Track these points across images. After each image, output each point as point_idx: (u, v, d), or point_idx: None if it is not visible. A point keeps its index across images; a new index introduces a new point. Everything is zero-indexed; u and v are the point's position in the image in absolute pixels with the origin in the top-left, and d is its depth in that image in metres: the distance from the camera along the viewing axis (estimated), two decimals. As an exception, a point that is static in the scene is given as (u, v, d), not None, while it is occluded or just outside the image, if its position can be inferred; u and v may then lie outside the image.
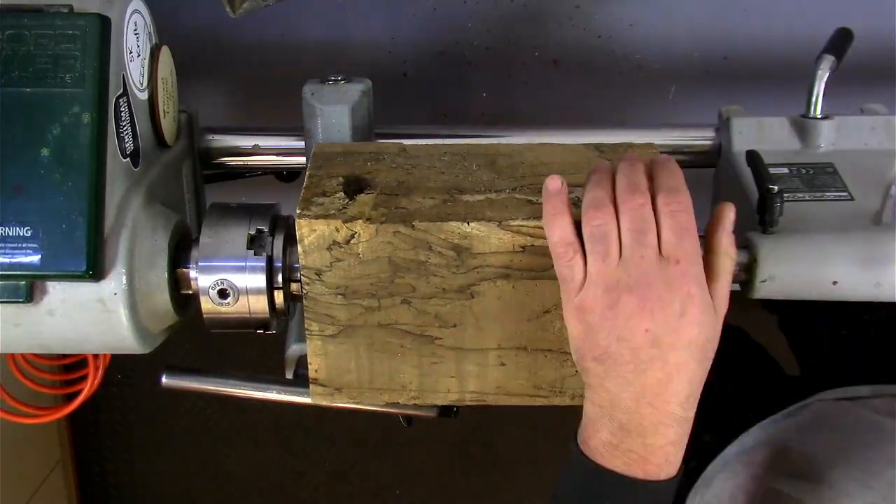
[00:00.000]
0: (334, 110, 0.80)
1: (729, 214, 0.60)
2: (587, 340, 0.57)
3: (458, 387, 0.69)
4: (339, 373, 0.68)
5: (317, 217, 0.63)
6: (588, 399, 0.59)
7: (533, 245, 0.63)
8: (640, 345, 0.55)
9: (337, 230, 0.63)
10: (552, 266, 0.60)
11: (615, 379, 0.56)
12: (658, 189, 0.57)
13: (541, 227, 0.61)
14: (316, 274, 0.65)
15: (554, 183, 0.59)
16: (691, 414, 0.57)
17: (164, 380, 0.78)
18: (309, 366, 0.68)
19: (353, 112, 0.81)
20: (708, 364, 0.57)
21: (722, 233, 0.59)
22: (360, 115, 0.82)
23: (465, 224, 0.63)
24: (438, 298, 0.65)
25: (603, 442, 0.57)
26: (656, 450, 0.56)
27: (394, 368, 0.68)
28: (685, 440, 0.58)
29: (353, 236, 0.63)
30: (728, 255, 0.59)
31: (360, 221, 0.63)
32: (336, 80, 0.82)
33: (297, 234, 0.63)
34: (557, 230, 0.58)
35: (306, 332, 0.67)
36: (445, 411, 0.79)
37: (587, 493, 0.59)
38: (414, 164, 0.69)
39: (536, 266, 0.64)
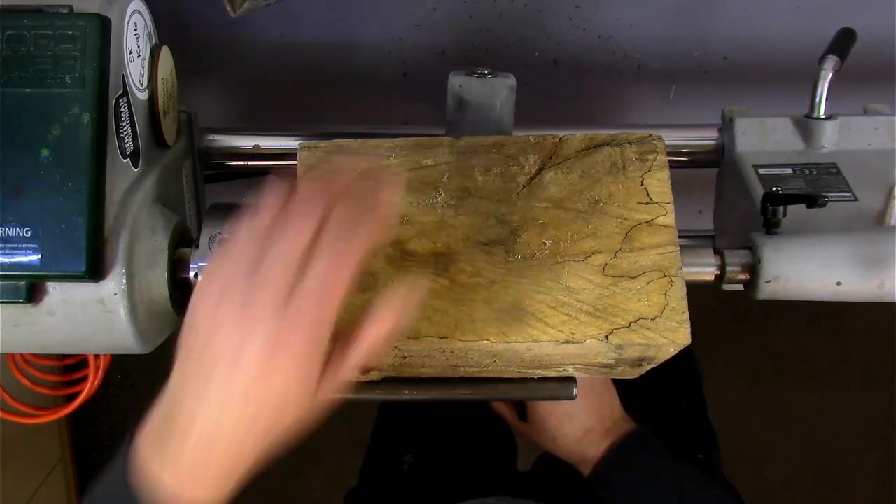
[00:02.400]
0: (483, 104, 0.80)
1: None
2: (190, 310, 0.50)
3: None
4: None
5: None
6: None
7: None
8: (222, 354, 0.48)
9: None
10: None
11: (184, 369, 0.50)
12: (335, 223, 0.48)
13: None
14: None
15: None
16: (241, 463, 0.50)
17: None
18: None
19: (500, 107, 0.80)
20: (280, 425, 0.50)
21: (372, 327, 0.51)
22: (506, 111, 0.81)
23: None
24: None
25: (153, 426, 0.51)
26: (183, 456, 0.49)
27: None
28: (232, 471, 0.50)
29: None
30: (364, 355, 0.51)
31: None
32: (483, 74, 0.81)
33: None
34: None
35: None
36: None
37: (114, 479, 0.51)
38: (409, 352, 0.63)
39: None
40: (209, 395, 0.48)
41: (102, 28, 0.66)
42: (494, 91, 0.80)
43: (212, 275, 0.49)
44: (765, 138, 0.83)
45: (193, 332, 0.49)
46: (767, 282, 0.68)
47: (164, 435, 0.50)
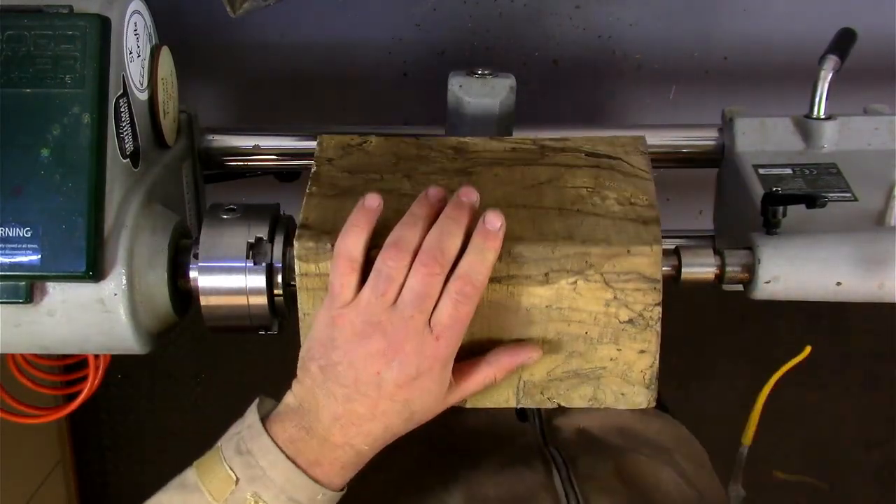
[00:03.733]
0: (482, 104, 0.81)
1: (531, 355, 0.63)
2: (323, 349, 0.58)
3: None
4: (332, 221, 0.65)
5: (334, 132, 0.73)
6: (292, 391, 0.60)
7: (522, 147, 0.71)
8: (365, 380, 0.57)
9: (352, 138, 0.72)
10: (542, 159, 0.69)
11: (327, 392, 0.58)
12: (460, 266, 0.57)
13: (527, 139, 0.71)
14: (327, 160, 0.71)
15: (371, 200, 0.59)
16: (373, 453, 0.61)
17: None
18: (300, 217, 0.66)
19: (500, 107, 0.81)
20: (411, 426, 0.60)
21: (507, 355, 0.63)
22: (506, 111, 0.82)
23: (463, 136, 0.72)
24: (438, 175, 0.69)
25: (286, 432, 0.59)
26: (327, 463, 0.59)
27: (390, 220, 0.63)
28: (356, 469, 0.61)
29: (364, 142, 0.72)
30: (494, 373, 0.62)
31: (373, 135, 0.72)
32: (483, 74, 0.82)
33: (317, 144, 0.72)
34: (349, 241, 0.58)
35: (306, 194, 0.68)
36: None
37: None
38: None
39: (525, 159, 0.70)
40: (350, 414, 0.57)
41: (102, 28, 0.66)
42: (494, 91, 0.81)
43: (352, 305, 0.57)
44: (765, 138, 0.83)
45: (333, 353, 0.58)
46: (767, 282, 0.68)
47: (303, 442, 0.59)
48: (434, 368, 0.57)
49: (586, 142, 0.71)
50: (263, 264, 0.67)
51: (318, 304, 0.64)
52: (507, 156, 0.71)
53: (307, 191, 0.68)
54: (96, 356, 0.82)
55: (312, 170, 0.70)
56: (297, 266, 0.64)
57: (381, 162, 0.71)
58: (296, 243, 0.63)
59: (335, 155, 0.71)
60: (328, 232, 0.64)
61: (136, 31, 0.72)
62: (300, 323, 0.66)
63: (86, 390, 0.83)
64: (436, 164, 0.71)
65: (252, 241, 0.68)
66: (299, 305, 0.65)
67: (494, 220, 0.58)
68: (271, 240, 0.69)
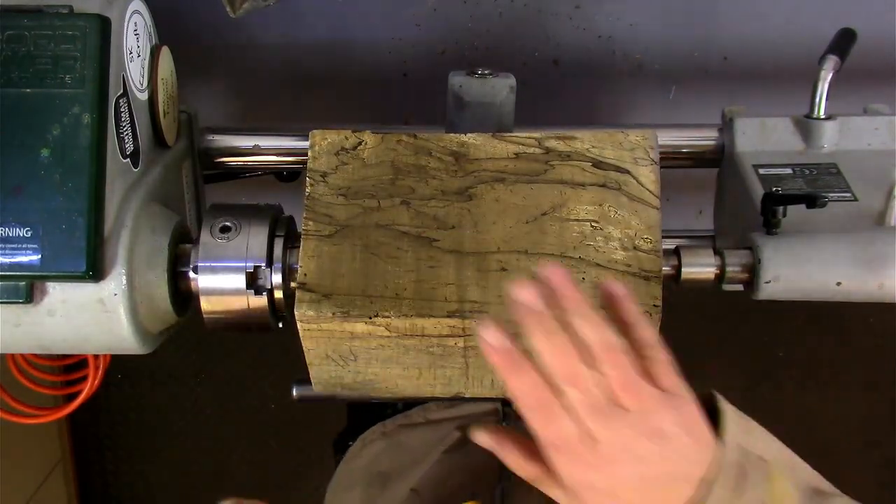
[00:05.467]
0: (483, 104, 0.81)
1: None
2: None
3: (457, 296, 0.65)
4: (330, 277, 0.65)
5: (329, 129, 0.71)
6: None
7: (526, 152, 0.69)
8: None
9: (346, 138, 0.70)
10: (546, 172, 0.67)
11: None
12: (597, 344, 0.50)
13: (532, 137, 0.69)
14: (321, 176, 0.69)
15: (492, 336, 0.50)
16: None
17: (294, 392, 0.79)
18: (298, 270, 0.65)
19: (500, 107, 0.81)
20: None
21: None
22: (505, 111, 0.82)
23: (463, 133, 0.70)
24: (437, 200, 0.69)
25: None
26: None
27: (389, 273, 0.65)
28: None
29: (360, 143, 0.70)
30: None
31: (367, 132, 0.70)
32: (483, 74, 0.82)
33: (309, 143, 0.70)
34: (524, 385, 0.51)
35: (302, 233, 0.67)
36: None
37: None
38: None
39: (529, 171, 0.69)
40: None
41: (102, 28, 0.66)
42: (494, 91, 0.81)
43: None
44: (765, 138, 0.83)
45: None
46: (767, 282, 0.68)
47: None
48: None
49: (593, 143, 0.70)
50: (264, 293, 0.69)
51: (321, 343, 0.66)
52: (510, 165, 0.69)
53: (303, 226, 0.67)
54: (96, 356, 0.82)
55: (307, 189, 0.68)
56: (300, 325, 0.65)
57: (377, 176, 0.69)
58: (296, 310, 0.64)
59: (329, 167, 0.69)
60: (327, 295, 0.64)
61: (136, 31, 0.72)
62: (305, 354, 0.67)
63: (86, 390, 0.83)
64: (434, 179, 0.69)
65: (250, 270, 0.69)
66: (302, 343, 0.66)
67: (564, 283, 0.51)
68: (271, 241, 0.69)
